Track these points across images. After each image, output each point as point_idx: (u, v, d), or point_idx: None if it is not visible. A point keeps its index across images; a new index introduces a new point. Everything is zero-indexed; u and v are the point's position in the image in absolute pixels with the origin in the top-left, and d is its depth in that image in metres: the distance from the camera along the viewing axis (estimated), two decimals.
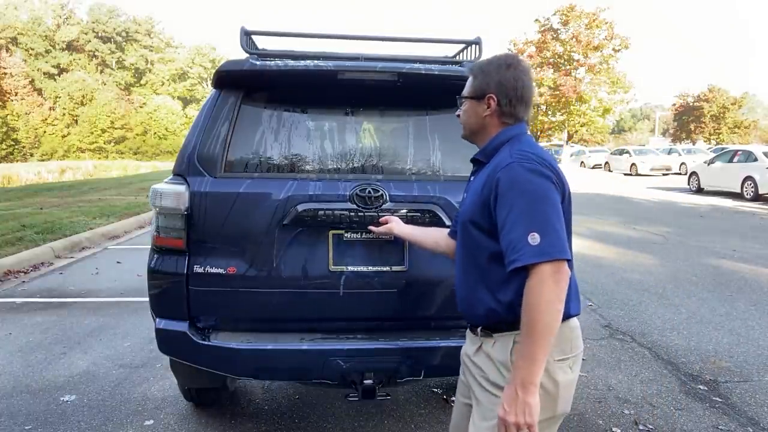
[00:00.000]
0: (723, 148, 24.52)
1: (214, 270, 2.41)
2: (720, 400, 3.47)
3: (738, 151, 17.53)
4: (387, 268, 2.46)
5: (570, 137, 36.76)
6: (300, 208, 2.38)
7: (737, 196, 16.23)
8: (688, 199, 16.15)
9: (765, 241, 9.07)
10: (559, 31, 34.05)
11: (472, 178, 1.79)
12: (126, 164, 38.01)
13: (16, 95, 54.69)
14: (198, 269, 2.41)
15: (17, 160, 48.83)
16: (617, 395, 3.53)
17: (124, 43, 66.81)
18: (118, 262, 7.18)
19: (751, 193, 15.64)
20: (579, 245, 8.15)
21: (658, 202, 15.41)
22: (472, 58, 2.82)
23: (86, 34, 64.45)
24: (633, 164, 27.61)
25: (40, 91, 57.86)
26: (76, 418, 3.17)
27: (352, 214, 2.39)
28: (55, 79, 59.77)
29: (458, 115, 1.79)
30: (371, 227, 2.34)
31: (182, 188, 2.43)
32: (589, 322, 4.90)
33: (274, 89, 2.61)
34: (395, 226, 2.28)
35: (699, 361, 4.07)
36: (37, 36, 61.03)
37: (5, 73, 54.06)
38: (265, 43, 2.95)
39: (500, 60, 1.70)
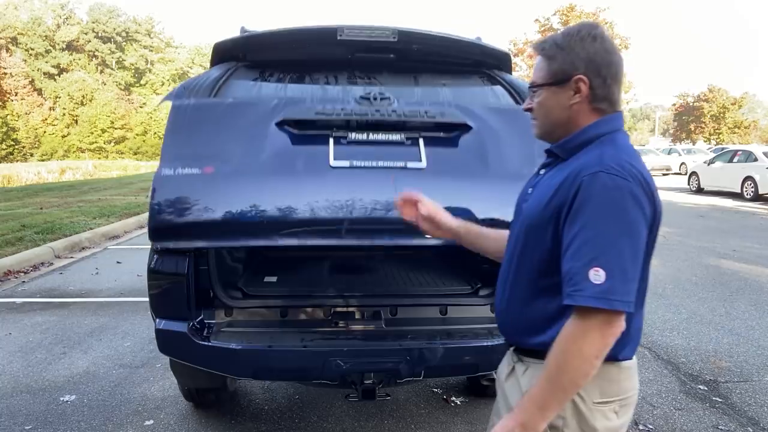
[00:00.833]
0: (723, 148, 24.51)
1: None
2: (720, 400, 3.47)
3: (738, 151, 17.53)
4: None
5: None
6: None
7: (737, 196, 16.23)
8: (688, 199, 16.15)
9: (765, 241, 9.06)
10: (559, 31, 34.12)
11: (541, 172, 1.45)
12: (126, 164, 38.03)
13: (16, 95, 54.74)
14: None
15: (17, 160, 48.81)
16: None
17: (124, 43, 66.84)
18: (118, 262, 7.18)
19: (751, 193, 15.65)
20: None
21: None
22: None
23: (86, 34, 64.48)
24: None
25: (40, 91, 57.91)
26: (76, 418, 3.17)
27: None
28: (55, 79, 59.81)
29: (528, 110, 1.43)
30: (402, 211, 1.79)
31: None
32: None
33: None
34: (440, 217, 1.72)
35: (699, 361, 4.07)
36: (37, 36, 61.05)
37: (5, 73, 54.11)
38: None
39: (582, 30, 1.33)
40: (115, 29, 65.87)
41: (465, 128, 2.44)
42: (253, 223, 2.20)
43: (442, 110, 2.45)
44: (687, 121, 51.80)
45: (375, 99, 2.42)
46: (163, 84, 64.71)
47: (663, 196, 13.28)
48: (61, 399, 3.39)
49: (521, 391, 1.37)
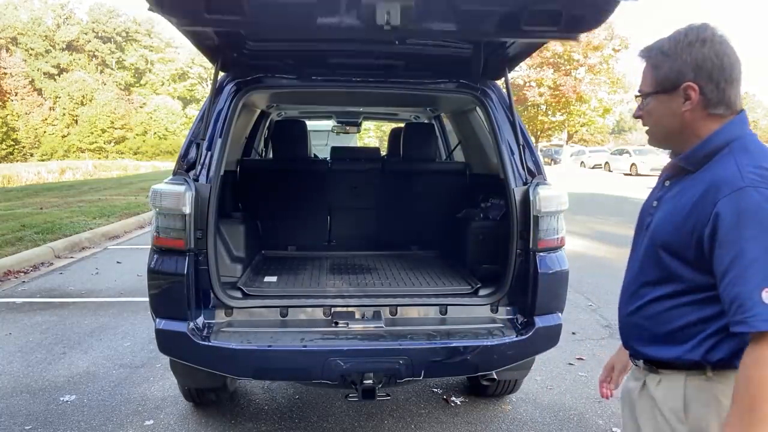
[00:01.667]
0: None
1: None
2: None
3: None
4: None
5: (570, 137, 36.80)
6: None
7: None
8: None
9: None
10: None
11: (666, 183, 1.41)
12: (126, 164, 37.98)
13: (16, 95, 54.67)
14: None
15: (17, 160, 48.76)
16: (617, 395, 3.51)
17: (124, 43, 66.79)
18: (118, 262, 7.18)
19: None
20: (579, 245, 8.16)
21: None
22: None
23: (86, 34, 64.42)
24: (633, 164, 27.61)
25: (40, 91, 57.83)
26: (76, 418, 3.16)
27: None
28: (55, 79, 59.74)
29: (639, 116, 1.40)
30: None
31: (182, 188, 2.43)
32: (589, 322, 4.90)
33: None
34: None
35: None
36: (37, 36, 60.99)
37: (5, 73, 54.04)
38: None
39: (690, 34, 1.27)
40: (115, 29, 65.81)
41: None
42: None
43: None
44: None
45: None
46: (163, 84, 64.69)
47: None
48: (61, 399, 3.38)
49: (656, 405, 1.36)
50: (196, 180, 2.54)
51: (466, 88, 2.94)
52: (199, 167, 2.59)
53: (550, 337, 2.66)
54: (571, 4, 2.10)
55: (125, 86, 64.56)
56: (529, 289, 2.63)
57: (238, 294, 2.70)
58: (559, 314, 2.70)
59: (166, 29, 65.64)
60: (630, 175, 27.21)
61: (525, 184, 2.72)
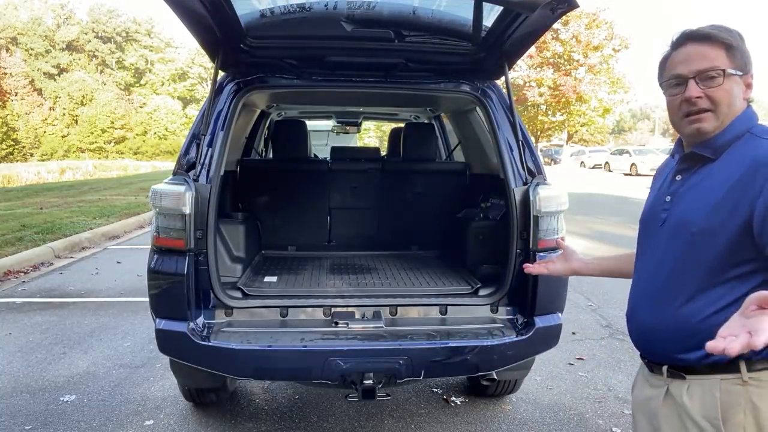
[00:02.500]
0: None
1: None
2: None
3: None
4: None
5: (570, 137, 36.81)
6: None
7: None
8: None
9: None
10: (559, 31, 34.09)
11: (678, 178, 1.41)
12: (126, 164, 38.00)
13: (16, 95, 54.68)
14: None
15: (17, 160, 48.78)
16: (617, 395, 3.53)
17: (124, 43, 66.79)
18: (118, 262, 7.18)
19: None
20: (579, 245, 8.15)
21: None
22: None
23: (86, 34, 64.42)
24: (633, 164, 27.63)
25: (40, 91, 57.83)
26: (76, 418, 3.16)
27: None
28: (55, 79, 59.74)
29: (697, 98, 1.31)
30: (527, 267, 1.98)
31: (182, 188, 2.43)
32: (589, 322, 4.90)
33: None
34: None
35: None
36: (37, 36, 60.98)
37: (5, 73, 54.05)
38: None
39: (732, 29, 1.35)
40: (115, 29, 65.81)
41: None
42: None
43: None
44: None
45: None
46: (163, 84, 64.70)
47: None
48: (61, 399, 3.38)
49: (686, 414, 1.30)
50: (196, 180, 2.55)
51: (466, 88, 2.94)
52: (199, 167, 2.59)
53: (550, 337, 2.66)
54: None
55: (125, 86, 64.56)
56: (529, 289, 2.63)
57: (238, 294, 2.70)
58: (559, 314, 2.71)
59: (166, 29, 65.59)
60: (630, 175, 27.22)
61: (525, 184, 2.72)
